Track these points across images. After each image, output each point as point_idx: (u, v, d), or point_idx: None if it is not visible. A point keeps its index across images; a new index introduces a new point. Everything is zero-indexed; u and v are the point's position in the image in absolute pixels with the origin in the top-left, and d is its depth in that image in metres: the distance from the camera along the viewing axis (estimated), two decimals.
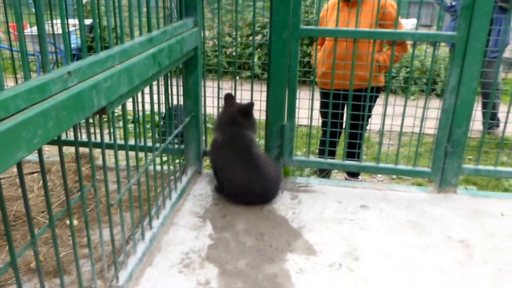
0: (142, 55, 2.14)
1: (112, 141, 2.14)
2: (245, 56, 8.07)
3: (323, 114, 4.05)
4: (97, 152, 2.35)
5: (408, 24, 7.20)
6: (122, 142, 2.28)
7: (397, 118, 3.26)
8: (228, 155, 2.98)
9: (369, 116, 3.88)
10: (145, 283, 2.26)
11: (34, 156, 3.45)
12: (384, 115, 3.19)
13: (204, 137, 3.41)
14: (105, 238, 2.11)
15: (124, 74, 1.90)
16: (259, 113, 3.39)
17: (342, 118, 3.78)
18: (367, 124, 3.56)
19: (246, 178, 2.94)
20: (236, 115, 3.05)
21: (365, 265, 2.48)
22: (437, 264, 2.52)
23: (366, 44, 3.42)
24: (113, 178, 2.61)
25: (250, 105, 3.05)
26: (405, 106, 3.18)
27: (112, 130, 2.11)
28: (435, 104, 3.29)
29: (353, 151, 3.58)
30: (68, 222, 2.65)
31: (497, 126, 5.53)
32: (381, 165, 3.34)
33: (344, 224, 2.86)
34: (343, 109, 3.97)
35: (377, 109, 3.39)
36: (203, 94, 3.25)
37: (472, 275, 2.43)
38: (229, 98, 3.15)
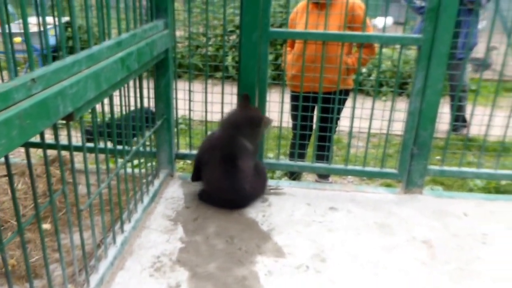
0: (110, 59, 2.11)
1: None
2: (219, 57, 8.05)
3: (293, 117, 4.05)
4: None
5: (380, 23, 7.26)
6: (92, 145, 2.25)
7: (367, 120, 3.29)
8: (215, 155, 2.94)
9: (338, 119, 3.91)
10: (116, 286, 2.24)
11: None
12: (352, 117, 3.22)
13: (176, 140, 3.38)
14: (76, 242, 2.09)
15: (91, 80, 1.88)
16: None
17: (312, 121, 3.79)
18: (336, 127, 3.59)
19: (221, 185, 2.93)
20: (244, 122, 2.96)
21: (332, 267, 2.50)
22: (401, 265, 2.55)
23: (335, 46, 3.44)
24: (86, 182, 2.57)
25: (261, 119, 2.98)
26: (372, 107, 3.21)
27: (81, 134, 2.08)
28: (407, 105, 3.32)
29: (322, 154, 3.60)
30: (45, 226, 2.60)
31: (464, 127, 5.61)
32: (350, 167, 3.36)
33: (313, 226, 2.88)
34: (313, 112, 3.98)
35: (348, 111, 3.42)
36: (174, 97, 3.22)
37: (434, 275, 2.47)
38: (246, 99, 3.04)
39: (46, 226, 2.61)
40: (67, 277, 2.09)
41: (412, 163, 3.22)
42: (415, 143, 3.17)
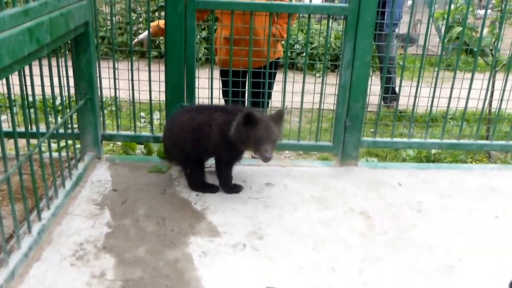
0: (14, 30, 1.80)
1: None
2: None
3: (225, 94, 3.77)
4: None
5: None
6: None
7: (300, 95, 3.12)
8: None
9: (270, 93, 3.68)
10: (31, 280, 1.95)
11: None
12: (284, 92, 3.02)
13: (102, 120, 3.06)
14: None
15: None
16: (159, 94, 3.10)
17: (244, 97, 3.54)
18: (268, 102, 3.39)
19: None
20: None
21: (269, 244, 2.31)
22: (340, 236, 2.40)
23: (262, 17, 3.21)
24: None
25: (250, 119, 2.43)
26: (303, 82, 3.03)
27: None
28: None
29: None
30: None
31: (395, 100, 5.58)
32: (285, 141, 3.18)
33: (249, 204, 2.68)
34: (244, 88, 3.70)
35: (280, 86, 3.24)
36: (98, 76, 2.91)
37: (372, 246, 2.34)
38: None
39: None
40: None
41: (346, 136, 3.08)
42: (347, 115, 3.03)
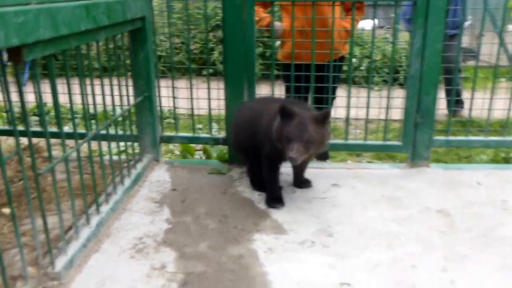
0: (71, 3, 1.75)
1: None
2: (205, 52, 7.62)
3: (287, 90, 3.56)
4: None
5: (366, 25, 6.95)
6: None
7: (363, 109, 2.96)
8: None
9: (335, 89, 3.47)
10: (89, 269, 1.84)
11: None
12: (349, 104, 2.87)
13: (159, 122, 2.99)
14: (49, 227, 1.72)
15: (44, 15, 1.51)
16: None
17: (307, 93, 3.33)
18: (333, 98, 3.22)
19: None
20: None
21: (340, 241, 2.11)
22: (417, 234, 2.17)
23: (327, 8, 3.06)
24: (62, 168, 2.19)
25: (284, 112, 2.19)
26: (368, 94, 2.87)
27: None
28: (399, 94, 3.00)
29: None
30: (3, 211, 2.20)
31: (462, 107, 5.28)
32: (350, 141, 2.99)
33: (315, 203, 2.49)
34: (307, 82, 3.46)
35: (342, 100, 3.08)
36: (156, 75, 2.84)
37: (455, 243, 2.09)
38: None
39: (6, 210, 2.20)
40: (29, 260, 1.70)
41: (416, 134, 2.86)
42: (418, 110, 2.81)
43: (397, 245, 2.08)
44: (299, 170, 2.65)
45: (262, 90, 3.11)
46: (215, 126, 3.79)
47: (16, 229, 1.61)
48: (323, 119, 2.20)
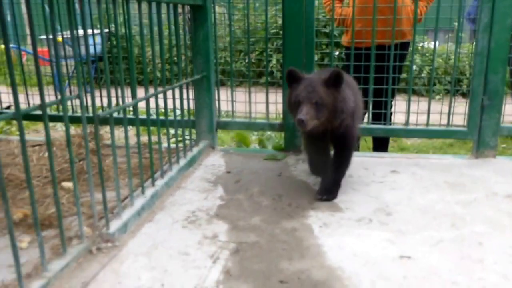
0: None
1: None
2: (263, 62, 7.61)
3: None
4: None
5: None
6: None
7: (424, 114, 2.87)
8: None
9: (399, 78, 3.35)
10: (142, 236, 1.83)
11: (34, 137, 3.14)
12: (408, 111, 2.78)
13: (217, 106, 3.00)
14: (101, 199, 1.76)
15: None
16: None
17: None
18: (393, 90, 3.11)
19: None
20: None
21: (399, 220, 2.01)
22: (483, 216, 2.03)
23: None
24: (122, 152, 2.24)
25: (291, 76, 2.08)
26: (429, 103, 2.79)
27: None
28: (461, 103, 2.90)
29: (380, 112, 3.07)
30: (63, 185, 2.26)
31: None
32: (411, 127, 2.86)
33: (373, 186, 2.40)
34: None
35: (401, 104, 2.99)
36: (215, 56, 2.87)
37: None
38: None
39: (69, 184, 2.26)
40: (85, 224, 1.72)
41: (483, 118, 2.70)
42: (485, 92, 2.65)
43: (462, 225, 1.95)
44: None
45: None
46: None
47: (76, 197, 1.64)
48: (335, 80, 2.00)
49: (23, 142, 1.38)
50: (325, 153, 2.31)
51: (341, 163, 2.26)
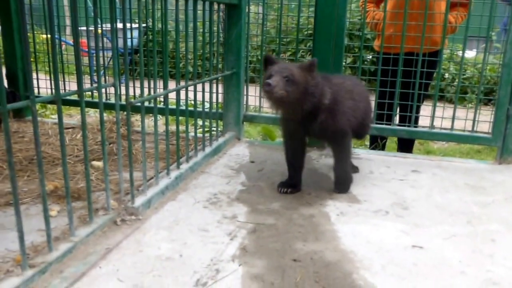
0: None
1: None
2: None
3: (383, 84, 3.22)
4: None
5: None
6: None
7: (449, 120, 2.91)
8: None
9: (427, 85, 3.36)
10: (165, 212, 1.93)
11: (67, 120, 3.29)
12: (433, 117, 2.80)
13: (245, 100, 3.08)
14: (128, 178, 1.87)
15: None
16: None
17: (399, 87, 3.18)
18: (423, 95, 3.13)
19: None
20: None
21: (416, 214, 2.04)
22: (500, 216, 2.05)
23: (438, 2, 3.02)
24: (151, 139, 2.35)
25: (267, 61, 2.15)
26: (455, 108, 2.81)
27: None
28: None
29: (406, 115, 3.10)
30: (93, 163, 2.37)
31: None
32: (436, 130, 2.89)
33: (393, 183, 2.44)
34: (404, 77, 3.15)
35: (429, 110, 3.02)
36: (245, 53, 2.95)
37: None
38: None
39: (98, 163, 2.37)
40: (109, 194, 1.82)
41: (508, 126, 2.71)
42: (511, 101, 2.67)
43: (477, 223, 1.97)
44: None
45: None
46: None
47: (105, 173, 1.74)
48: (309, 67, 2.06)
49: (61, 122, 1.48)
50: (298, 152, 2.29)
51: (339, 157, 2.25)
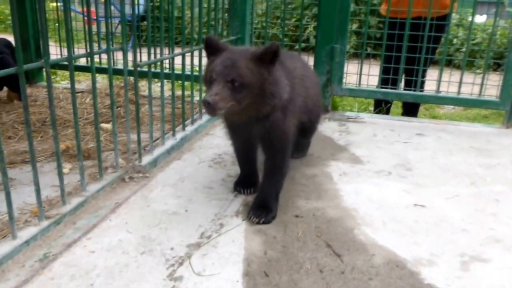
0: None
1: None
2: (299, 28, 7.59)
3: (388, 48, 3.17)
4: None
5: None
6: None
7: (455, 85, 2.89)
8: None
9: (435, 49, 3.33)
10: (170, 170, 1.98)
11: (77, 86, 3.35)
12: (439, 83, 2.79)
13: None
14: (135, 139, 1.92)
15: None
16: None
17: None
18: (430, 59, 3.11)
19: None
20: None
21: (419, 175, 2.07)
22: (505, 177, 2.07)
23: None
24: (157, 103, 2.39)
25: (208, 45, 1.61)
26: (462, 73, 2.82)
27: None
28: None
29: (411, 79, 3.10)
30: (102, 125, 2.42)
31: None
32: (442, 94, 2.89)
33: (396, 145, 2.46)
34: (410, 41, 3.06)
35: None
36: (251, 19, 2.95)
37: None
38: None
39: (107, 125, 2.42)
40: (118, 153, 1.87)
41: None
42: None
43: (481, 184, 2.00)
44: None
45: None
46: None
47: (114, 134, 1.79)
48: (265, 56, 1.53)
49: (73, 82, 1.55)
50: (250, 156, 1.86)
51: (273, 172, 1.71)
